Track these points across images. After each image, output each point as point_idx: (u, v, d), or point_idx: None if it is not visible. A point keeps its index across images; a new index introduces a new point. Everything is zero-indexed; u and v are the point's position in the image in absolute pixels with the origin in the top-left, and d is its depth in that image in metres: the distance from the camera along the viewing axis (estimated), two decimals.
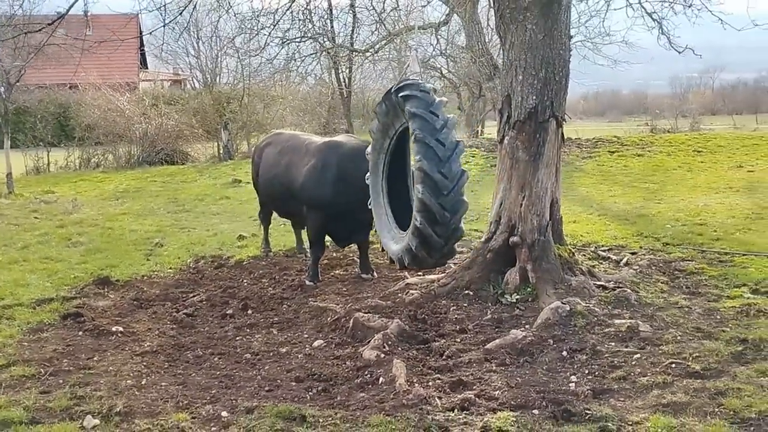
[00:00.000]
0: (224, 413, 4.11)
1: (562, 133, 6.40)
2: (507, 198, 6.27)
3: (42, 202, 12.95)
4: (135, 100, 20.73)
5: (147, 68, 32.25)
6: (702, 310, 5.71)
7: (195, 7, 9.66)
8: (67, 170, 19.00)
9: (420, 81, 6.34)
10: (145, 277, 7.63)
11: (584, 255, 7.50)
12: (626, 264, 7.20)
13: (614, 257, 7.54)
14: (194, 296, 6.86)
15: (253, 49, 15.17)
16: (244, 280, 7.41)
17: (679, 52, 9.99)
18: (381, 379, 4.58)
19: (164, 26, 8.01)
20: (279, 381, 4.71)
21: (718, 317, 5.54)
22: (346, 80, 21.95)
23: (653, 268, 7.04)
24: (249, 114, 20.99)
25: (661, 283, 6.52)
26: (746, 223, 9.16)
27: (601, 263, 7.31)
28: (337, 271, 7.59)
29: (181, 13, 8.63)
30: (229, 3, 10.30)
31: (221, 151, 20.38)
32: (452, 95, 25.54)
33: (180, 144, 20.26)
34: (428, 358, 4.99)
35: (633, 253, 7.77)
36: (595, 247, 8.09)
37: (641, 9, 9.98)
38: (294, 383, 4.66)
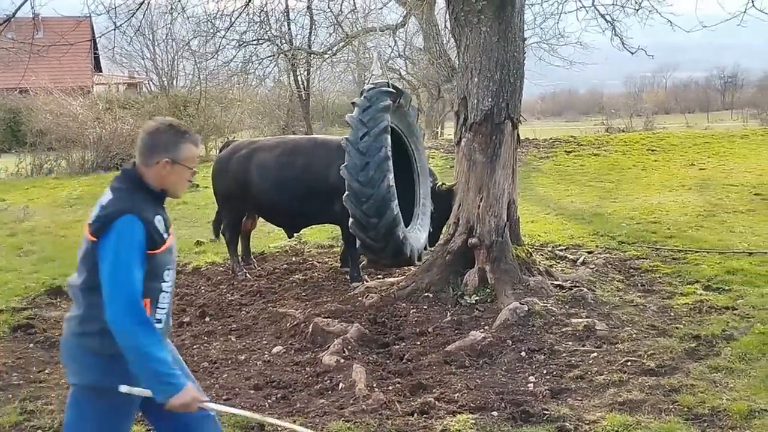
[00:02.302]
0: None
1: (518, 135, 6.48)
2: (465, 200, 6.30)
3: None
4: (88, 105, 20.26)
5: (101, 72, 31.59)
6: (656, 308, 5.82)
7: (148, 8, 9.47)
8: (19, 177, 18.46)
9: (375, 85, 6.50)
10: None
11: (542, 255, 7.57)
12: (583, 263, 7.29)
13: (571, 256, 7.64)
14: None
15: (210, 52, 14.97)
16: (202, 287, 7.30)
17: (632, 53, 10.16)
18: (341, 384, 4.55)
19: (115, 29, 7.81)
20: (237, 389, 4.64)
21: (672, 314, 5.65)
22: (305, 82, 21.84)
23: (609, 266, 7.15)
24: (206, 117, 20.73)
25: (617, 281, 6.62)
26: (698, 221, 9.37)
27: (559, 263, 7.40)
28: (296, 276, 7.53)
29: (133, 15, 8.45)
30: (182, 6, 10.10)
31: None
32: (411, 97, 25.63)
33: (136, 149, 19.86)
34: (388, 362, 4.99)
35: (589, 252, 7.87)
36: (553, 247, 8.18)
37: (595, 11, 10.13)
38: (252, 391, 4.60)
